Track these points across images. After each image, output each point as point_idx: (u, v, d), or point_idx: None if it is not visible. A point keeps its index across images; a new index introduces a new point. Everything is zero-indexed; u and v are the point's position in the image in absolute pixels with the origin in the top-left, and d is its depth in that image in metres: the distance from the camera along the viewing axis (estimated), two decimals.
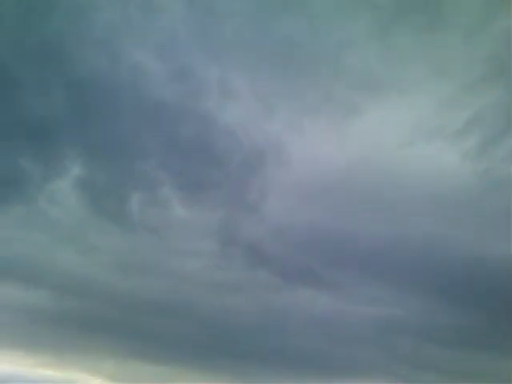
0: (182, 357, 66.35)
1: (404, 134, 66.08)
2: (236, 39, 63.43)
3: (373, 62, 64.06)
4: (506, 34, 57.07)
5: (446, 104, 64.72)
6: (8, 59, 57.80)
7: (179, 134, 65.37)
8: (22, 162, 61.89)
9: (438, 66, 64.37)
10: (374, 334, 67.79)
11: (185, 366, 67.21)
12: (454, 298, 66.96)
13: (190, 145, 65.89)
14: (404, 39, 62.20)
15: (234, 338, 66.65)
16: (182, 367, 67.63)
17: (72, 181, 64.61)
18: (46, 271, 63.91)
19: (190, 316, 66.55)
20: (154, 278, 67.06)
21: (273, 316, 68.13)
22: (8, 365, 63.70)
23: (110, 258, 66.36)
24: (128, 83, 62.54)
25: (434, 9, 61.29)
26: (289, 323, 68.37)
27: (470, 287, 65.27)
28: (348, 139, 66.60)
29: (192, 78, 63.60)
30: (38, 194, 63.23)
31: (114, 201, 65.77)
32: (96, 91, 62.12)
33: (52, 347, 64.51)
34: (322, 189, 68.74)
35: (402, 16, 61.36)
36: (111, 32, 60.45)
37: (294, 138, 66.23)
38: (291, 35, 63.53)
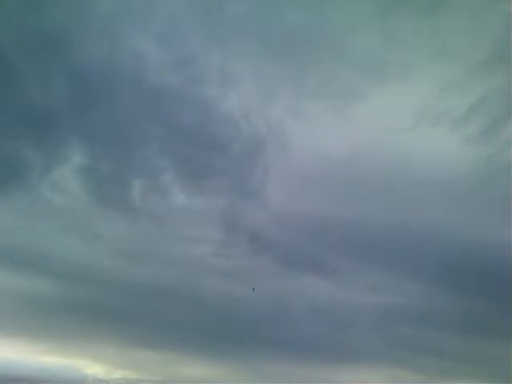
0: (183, 343, 66.62)
1: (406, 120, 66.05)
2: (237, 26, 63.06)
3: (375, 47, 63.91)
4: (509, 19, 56.62)
5: (448, 89, 64.66)
6: (9, 49, 57.54)
7: (180, 122, 65.20)
8: (24, 150, 61.83)
9: (441, 50, 64.13)
10: (374, 320, 68.07)
11: (187, 352, 67.58)
12: (454, 284, 67.21)
13: (191, 132, 65.78)
14: (406, 24, 61.89)
15: (236, 324, 66.92)
16: (183, 354, 68.01)
17: (74, 169, 64.61)
18: (49, 259, 64.13)
19: (193, 303, 66.75)
20: (156, 265, 67.30)
21: (275, 302, 68.36)
22: (12, 352, 64.17)
23: (113, 246, 66.51)
24: (129, 71, 62.26)
25: None
26: (291, 309, 68.63)
27: (470, 273, 65.42)
28: (350, 125, 66.42)
29: (193, 65, 63.39)
30: (40, 182, 63.26)
31: (116, 188, 65.86)
32: (97, 79, 61.86)
33: (55, 335, 64.74)
34: (324, 175, 68.72)
35: (404, 0, 61.08)
36: (112, 20, 60.14)
37: (295, 124, 66.19)
38: (293, 21, 63.19)
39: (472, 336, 66.18)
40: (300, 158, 67.03)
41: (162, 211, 66.99)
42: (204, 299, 66.91)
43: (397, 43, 64.19)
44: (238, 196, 69.48)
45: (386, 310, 68.42)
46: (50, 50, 59.46)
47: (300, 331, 67.27)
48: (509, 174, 59.99)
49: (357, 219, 68.54)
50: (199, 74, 63.50)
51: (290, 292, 68.99)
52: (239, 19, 63.04)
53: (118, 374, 66.59)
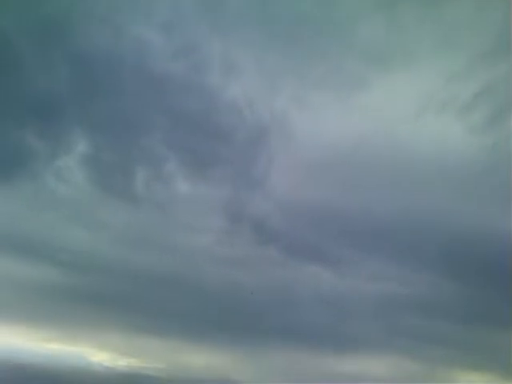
0: (188, 331, 67.15)
1: (411, 109, 65.84)
2: (241, 14, 62.80)
3: (380, 35, 63.48)
4: None
5: (452, 78, 64.36)
6: (13, 37, 57.32)
7: (184, 110, 65.09)
8: (27, 138, 61.84)
9: (446, 40, 63.86)
10: (377, 309, 68.43)
11: (191, 340, 68.15)
12: (457, 273, 67.50)
13: (195, 120, 65.77)
14: (411, 13, 61.57)
15: (240, 312, 67.34)
16: (188, 342, 68.60)
17: (77, 158, 64.64)
18: (54, 247, 64.42)
19: (197, 291, 67.10)
20: (160, 254, 67.64)
21: (278, 291, 68.73)
22: (17, 340, 64.71)
23: (117, 234, 66.80)
24: (132, 59, 62.10)
25: None
26: (294, 299, 68.95)
27: (473, 262, 65.66)
28: (354, 114, 66.45)
29: (196, 53, 63.19)
30: (44, 170, 63.41)
31: (120, 177, 65.99)
32: (101, 67, 61.72)
33: (60, 322, 65.29)
34: (328, 164, 68.75)
35: None
36: (115, 7, 59.91)
37: (299, 112, 66.03)
38: (297, 10, 62.96)
39: (474, 325, 66.61)
40: (304, 147, 67.07)
41: (166, 200, 67.20)
42: (208, 288, 67.33)
43: (401, 33, 63.92)
44: (242, 185, 69.65)
45: (389, 300, 68.88)
46: (53, 37, 59.21)
47: (303, 320, 67.71)
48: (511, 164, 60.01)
49: (361, 208, 68.74)
50: (203, 62, 63.32)
51: (293, 281, 69.39)
52: (243, 7, 62.80)
53: (122, 362, 67.27)
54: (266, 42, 64.94)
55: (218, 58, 64.14)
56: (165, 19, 61.95)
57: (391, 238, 69.52)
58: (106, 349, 67.68)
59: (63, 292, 64.93)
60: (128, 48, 61.52)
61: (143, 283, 65.90)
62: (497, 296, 62.23)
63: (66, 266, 64.08)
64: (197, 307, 67.28)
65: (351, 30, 63.75)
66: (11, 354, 61.49)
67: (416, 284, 69.04)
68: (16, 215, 62.39)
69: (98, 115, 64.07)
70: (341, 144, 66.26)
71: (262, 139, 67.31)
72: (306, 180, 70.57)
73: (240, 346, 67.35)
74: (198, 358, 68.27)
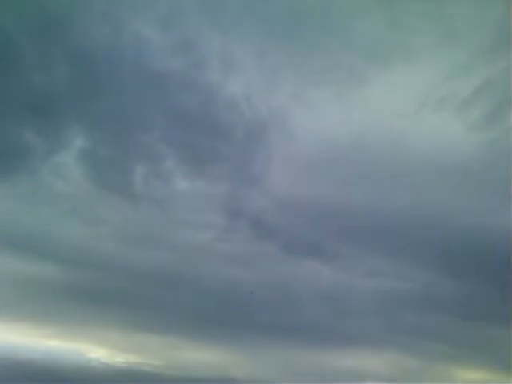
0: (186, 328, 67.18)
1: (410, 105, 65.81)
2: (240, 10, 62.61)
3: (380, 32, 63.34)
4: None
5: (452, 74, 64.30)
6: (12, 34, 57.15)
7: (182, 107, 65.02)
8: (26, 135, 61.68)
9: (446, 35, 63.58)
10: (376, 305, 68.49)
11: (189, 337, 68.19)
12: (456, 269, 67.48)
13: (194, 117, 65.62)
14: (411, 8, 61.42)
15: (238, 309, 67.38)
16: (186, 338, 68.64)
17: (76, 155, 64.51)
18: (52, 244, 64.37)
19: (196, 288, 67.18)
20: (159, 250, 67.66)
21: (277, 287, 68.78)
22: (16, 336, 64.68)
23: (116, 231, 66.77)
24: (131, 55, 61.95)
25: None
26: (293, 295, 69.01)
27: (472, 259, 65.72)
28: (353, 110, 66.27)
29: (195, 49, 63.00)
30: (42, 167, 63.27)
31: (119, 174, 65.91)
32: (99, 64, 61.55)
33: (58, 319, 65.25)
34: (327, 160, 68.69)
35: None
36: (114, 4, 59.74)
37: (298, 109, 65.95)
38: (296, 5, 62.81)
39: (473, 321, 66.66)
40: (303, 144, 66.95)
41: (165, 197, 67.15)
42: (206, 284, 67.38)
43: (401, 29, 63.74)
44: (241, 181, 69.63)
45: (388, 296, 68.89)
46: (52, 34, 59.05)
47: (302, 316, 67.76)
48: (511, 160, 59.98)
49: (360, 205, 68.69)
50: (201, 59, 63.15)
51: (292, 277, 69.45)
52: (242, 4, 62.60)
53: (121, 358, 67.29)
54: (264, 39, 64.85)
55: (217, 54, 64.09)
56: (164, 16, 61.84)
57: (390, 234, 69.62)
58: (105, 345, 67.74)
59: (61, 288, 64.99)
60: (127, 44, 61.43)
61: (142, 280, 66.04)
62: (496, 293, 62.34)
63: (65, 262, 64.13)
64: (195, 303, 67.43)
65: (350, 26, 63.64)
66: (10, 350, 61.43)
67: (415, 280, 69.16)
68: (14, 212, 62.33)
69: (96, 112, 64.04)
70: (339, 140, 66.20)
71: (260, 136, 67.31)
72: (305, 176, 70.61)
73: (239, 342, 67.44)
74: (196, 354, 68.34)
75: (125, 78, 63.44)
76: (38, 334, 65.85)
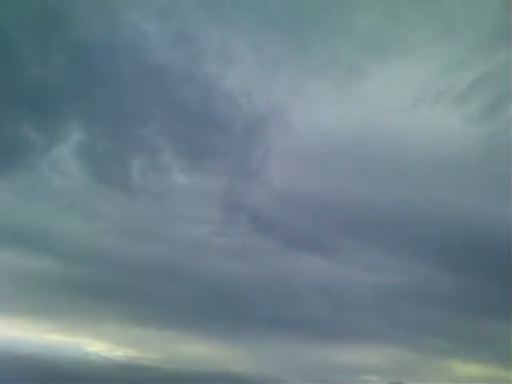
0: (184, 322, 67.33)
1: (408, 98, 65.50)
2: (239, 3, 62.25)
3: (378, 26, 63.00)
4: None
5: (450, 67, 63.98)
6: (9, 27, 56.88)
7: (181, 100, 64.71)
8: (24, 130, 61.48)
9: (444, 28, 63.28)
10: (375, 299, 68.37)
11: (187, 330, 68.35)
12: (455, 263, 67.36)
13: (192, 111, 65.39)
14: (410, 1, 61.03)
15: (236, 303, 67.46)
16: (184, 332, 68.84)
17: (73, 149, 64.30)
18: (51, 238, 64.42)
19: (194, 282, 67.21)
20: (157, 245, 67.70)
21: (275, 282, 68.75)
22: (16, 331, 64.92)
23: (113, 225, 66.81)
24: (129, 48, 61.59)
25: None
26: (291, 289, 68.97)
27: (471, 253, 65.56)
28: (352, 104, 66.08)
29: (194, 42, 62.68)
30: (40, 162, 63.12)
31: (116, 167, 65.72)
32: (97, 57, 61.30)
33: (58, 313, 65.49)
34: (326, 155, 68.55)
35: None
36: None
37: (297, 103, 65.79)
38: (295, 0, 62.57)
39: (472, 315, 66.61)
40: (302, 137, 66.74)
41: (163, 191, 67.03)
42: (205, 278, 67.38)
43: (399, 23, 63.42)
44: (240, 175, 69.50)
45: (387, 290, 68.79)
46: (50, 27, 58.78)
47: (301, 310, 67.73)
48: (510, 153, 59.67)
49: (359, 198, 68.54)
50: (200, 52, 62.83)
51: (291, 272, 69.43)
52: None
53: (119, 352, 67.58)
54: (264, 33, 64.51)
55: (216, 48, 63.77)
56: (162, 8, 61.48)
57: (389, 228, 69.55)
58: (104, 339, 68.07)
59: (60, 283, 65.10)
60: (125, 38, 61.04)
61: (140, 274, 66.10)
62: (495, 287, 62.23)
63: (63, 257, 64.25)
64: (194, 298, 67.49)
65: (349, 21, 63.30)
66: (10, 344, 61.62)
67: (414, 275, 69.09)
68: (12, 206, 62.33)
69: (94, 106, 63.88)
70: (338, 134, 65.98)
71: (259, 129, 67.05)
72: (304, 170, 70.53)
73: (238, 336, 67.53)
74: (195, 348, 68.55)
75: (123, 72, 63.16)
76: (37, 329, 66.25)
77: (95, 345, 67.10)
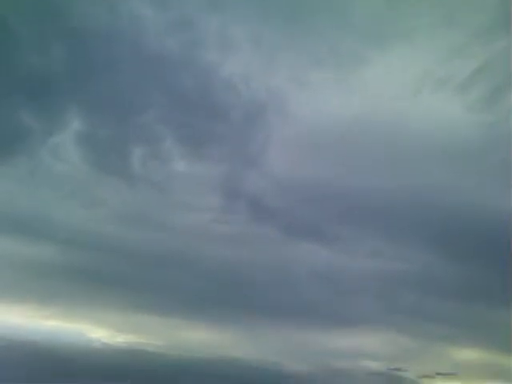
0: (185, 308, 67.72)
1: (409, 86, 65.34)
2: None
3: (378, 13, 62.70)
4: None
5: (451, 55, 63.70)
6: (7, 15, 56.60)
7: (180, 87, 64.55)
8: (24, 117, 61.42)
9: (444, 16, 62.92)
10: (375, 286, 68.74)
11: (188, 317, 68.75)
12: (455, 250, 67.61)
13: (191, 98, 65.25)
14: None
15: (237, 290, 67.76)
16: (185, 318, 69.23)
17: (73, 136, 64.27)
18: (51, 225, 64.55)
19: (195, 269, 67.47)
20: (157, 232, 67.85)
21: (275, 269, 69.04)
22: (17, 317, 65.33)
23: (114, 213, 66.89)
24: (128, 35, 61.27)
25: None
26: (291, 276, 69.33)
27: (471, 239, 65.72)
28: (352, 92, 65.83)
29: (192, 29, 62.30)
30: (40, 149, 63.16)
31: (116, 155, 65.79)
32: (96, 44, 61.00)
33: (59, 300, 65.71)
34: (326, 142, 68.46)
35: None
36: None
37: (297, 90, 65.51)
38: None
39: (472, 302, 66.92)
40: (302, 125, 66.63)
41: (163, 178, 67.12)
42: (206, 265, 67.67)
43: (399, 10, 63.05)
44: (239, 163, 69.52)
45: (387, 277, 69.10)
46: (48, 15, 58.49)
47: (301, 297, 68.11)
48: (510, 141, 59.55)
49: (358, 186, 68.56)
50: (199, 39, 62.52)
51: (290, 259, 69.67)
52: None
53: (121, 338, 68.05)
54: (263, 20, 64.15)
55: (215, 34, 63.42)
56: None
57: (389, 215, 69.68)
58: (105, 326, 68.47)
59: (61, 270, 65.36)
60: (124, 25, 60.79)
61: (141, 261, 66.35)
62: (495, 274, 62.49)
63: (64, 244, 64.36)
64: (195, 284, 67.83)
65: (349, 8, 62.89)
66: (12, 331, 62.00)
67: (414, 262, 69.36)
68: (13, 193, 62.41)
69: (93, 93, 63.69)
70: (339, 122, 65.86)
71: (259, 117, 66.96)
72: (304, 158, 70.50)
73: (238, 323, 68.04)
74: (196, 335, 69.09)
75: (122, 60, 62.96)
76: (39, 315, 66.56)
77: (97, 331, 67.60)
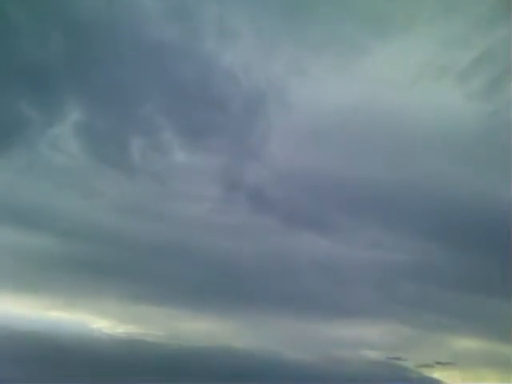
0: (186, 299, 67.80)
1: (410, 74, 65.11)
2: None
3: (379, 1, 62.37)
4: None
5: (452, 43, 63.45)
6: (6, 3, 56.23)
7: (179, 77, 64.21)
8: (23, 108, 61.18)
9: (445, 3, 62.59)
10: (374, 276, 68.81)
11: (189, 307, 68.87)
12: (455, 240, 67.64)
13: (191, 88, 64.90)
14: None
15: (237, 280, 67.77)
16: (186, 309, 69.36)
17: (72, 127, 64.02)
18: (51, 216, 64.55)
19: (195, 260, 67.48)
20: (157, 223, 67.77)
21: (275, 259, 69.10)
22: (18, 308, 65.49)
23: (114, 203, 66.78)
24: (127, 25, 60.87)
25: None
26: (291, 266, 69.35)
27: (471, 229, 65.74)
28: (352, 80, 65.44)
29: (191, 18, 61.84)
30: (39, 140, 63.00)
31: (116, 146, 65.63)
32: (95, 34, 60.56)
33: (60, 290, 65.88)
34: (326, 132, 68.17)
35: None
36: None
37: (297, 79, 65.06)
38: None
39: (472, 292, 67.08)
40: (302, 115, 66.20)
41: (162, 169, 66.97)
42: (206, 256, 67.64)
43: None
44: (239, 153, 69.32)
45: (387, 267, 69.13)
46: (46, 4, 58.17)
47: (301, 287, 68.24)
48: (511, 131, 59.37)
49: (359, 176, 68.46)
50: (198, 28, 62.09)
51: (291, 249, 69.68)
52: None
53: (122, 329, 68.29)
54: (264, 8, 63.70)
55: (214, 23, 62.92)
56: None
57: (389, 205, 69.59)
58: (106, 316, 68.66)
59: (61, 261, 65.32)
60: (123, 14, 60.40)
61: (141, 252, 66.36)
62: (495, 263, 62.42)
63: (64, 234, 64.31)
64: (195, 275, 67.86)
65: None
66: (12, 321, 62.16)
67: (413, 251, 69.41)
68: (12, 184, 62.32)
69: (92, 83, 63.34)
70: (340, 111, 65.52)
71: (259, 107, 66.65)
72: (304, 148, 70.28)
73: (238, 313, 68.25)
74: (196, 325, 69.28)
75: (121, 50, 62.60)
76: (39, 306, 66.73)
77: (98, 321, 67.84)
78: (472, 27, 61.56)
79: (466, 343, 69.47)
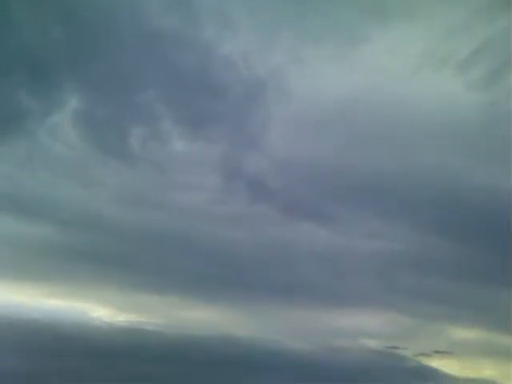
0: (185, 288, 68.06)
1: (410, 64, 64.81)
2: None
3: None
4: None
5: (452, 32, 63.02)
6: None
7: (179, 66, 63.95)
8: (21, 96, 61.01)
9: None
10: (374, 266, 68.97)
11: (188, 296, 69.22)
12: (454, 230, 67.70)
13: (190, 76, 64.68)
14: None
15: (236, 270, 67.97)
16: (185, 298, 69.71)
17: (72, 116, 63.87)
18: (51, 206, 64.64)
19: (194, 249, 67.50)
20: (156, 212, 67.85)
21: (274, 249, 69.20)
22: (18, 296, 65.75)
23: (113, 193, 66.79)
24: (126, 12, 60.52)
25: None
26: (290, 256, 69.47)
27: (470, 220, 65.82)
28: (352, 69, 65.15)
29: (190, 6, 61.55)
30: (38, 129, 62.89)
31: (115, 135, 65.55)
32: (93, 22, 60.33)
33: (60, 279, 66.16)
34: (326, 121, 67.96)
35: None
36: None
37: (297, 68, 64.92)
38: None
39: (471, 282, 67.21)
40: (302, 103, 66.04)
41: (162, 158, 66.86)
42: (205, 245, 67.69)
43: None
44: (238, 142, 69.20)
45: (386, 257, 69.27)
46: None
47: (301, 277, 68.42)
48: (511, 121, 59.19)
49: (359, 166, 68.42)
50: (197, 16, 61.80)
51: (290, 239, 69.69)
52: None
53: (122, 317, 68.62)
54: None
55: (214, 11, 62.63)
56: None
57: (389, 195, 69.56)
58: (106, 305, 69.04)
59: (61, 249, 65.50)
60: (122, 1, 60.15)
61: (140, 241, 66.48)
62: (494, 254, 62.44)
63: (64, 223, 64.51)
64: (195, 264, 67.94)
65: None
66: (12, 309, 62.35)
67: (413, 241, 69.47)
68: (12, 174, 62.37)
69: (91, 72, 63.16)
70: (339, 100, 65.30)
71: (258, 95, 66.42)
72: (304, 137, 70.18)
73: (238, 302, 68.49)
74: (197, 313, 69.68)
75: (121, 38, 62.33)
76: (40, 294, 67.01)
77: (98, 310, 68.18)
78: (472, 17, 61.20)
79: (465, 333, 69.82)
